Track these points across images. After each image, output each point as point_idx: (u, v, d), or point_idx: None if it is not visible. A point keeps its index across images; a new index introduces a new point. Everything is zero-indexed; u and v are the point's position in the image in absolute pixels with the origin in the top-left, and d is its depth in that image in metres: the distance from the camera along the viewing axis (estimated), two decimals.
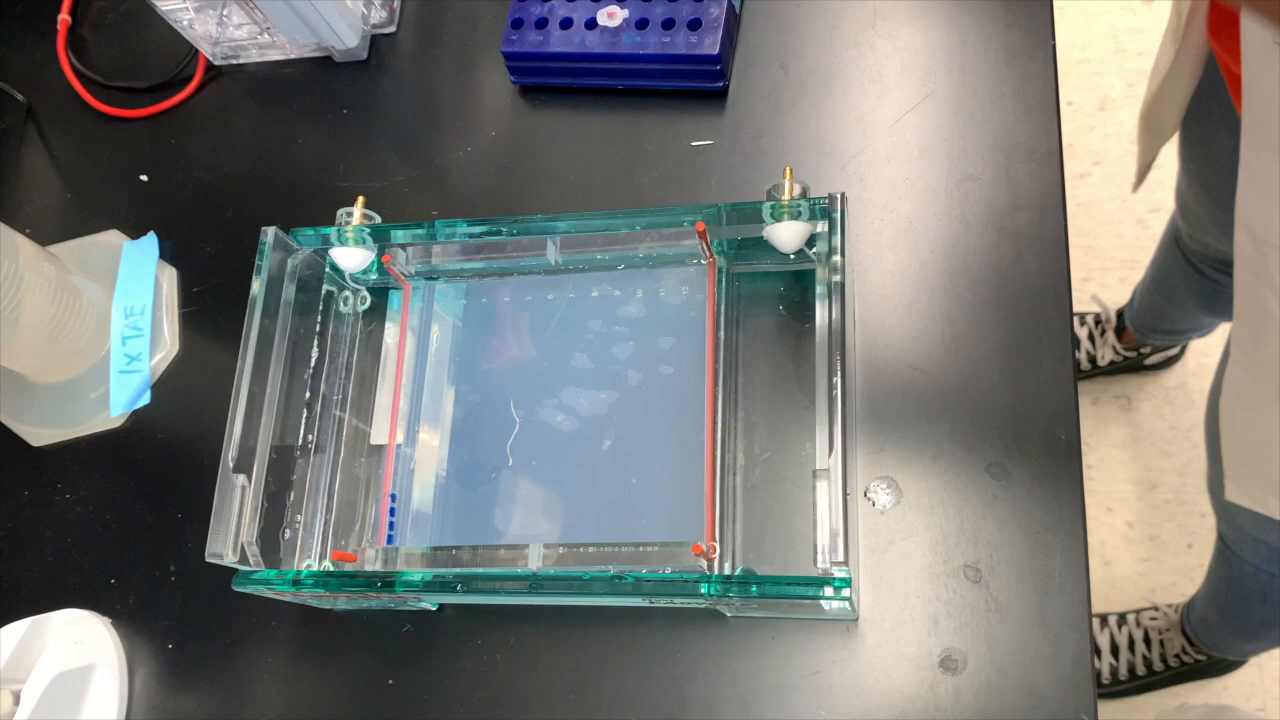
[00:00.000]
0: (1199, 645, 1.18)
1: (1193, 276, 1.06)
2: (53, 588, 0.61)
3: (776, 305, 0.56)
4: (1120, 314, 1.31)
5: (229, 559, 0.49)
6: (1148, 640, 1.21)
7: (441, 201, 0.65)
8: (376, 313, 0.61)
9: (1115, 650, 1.22)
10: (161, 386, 0.65)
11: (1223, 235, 0.96)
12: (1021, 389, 0.53)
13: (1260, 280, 0.57)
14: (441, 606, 0.55)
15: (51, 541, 0.63)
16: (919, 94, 0.60)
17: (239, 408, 0.51)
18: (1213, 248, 0.99)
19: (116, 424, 0.64)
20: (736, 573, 0.50)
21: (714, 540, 0.49)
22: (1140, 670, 1.22)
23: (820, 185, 0.57)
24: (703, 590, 0.46)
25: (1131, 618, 1.23)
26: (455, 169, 0.66)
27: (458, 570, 0.49)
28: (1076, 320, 1.34)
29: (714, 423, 0.51)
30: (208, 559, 0.49)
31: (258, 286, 0.54)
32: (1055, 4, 0.61)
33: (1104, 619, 1.24)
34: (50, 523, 0.63)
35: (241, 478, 0.50)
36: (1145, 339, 1.29)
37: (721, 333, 0.53)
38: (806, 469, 0.53)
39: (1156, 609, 1.22)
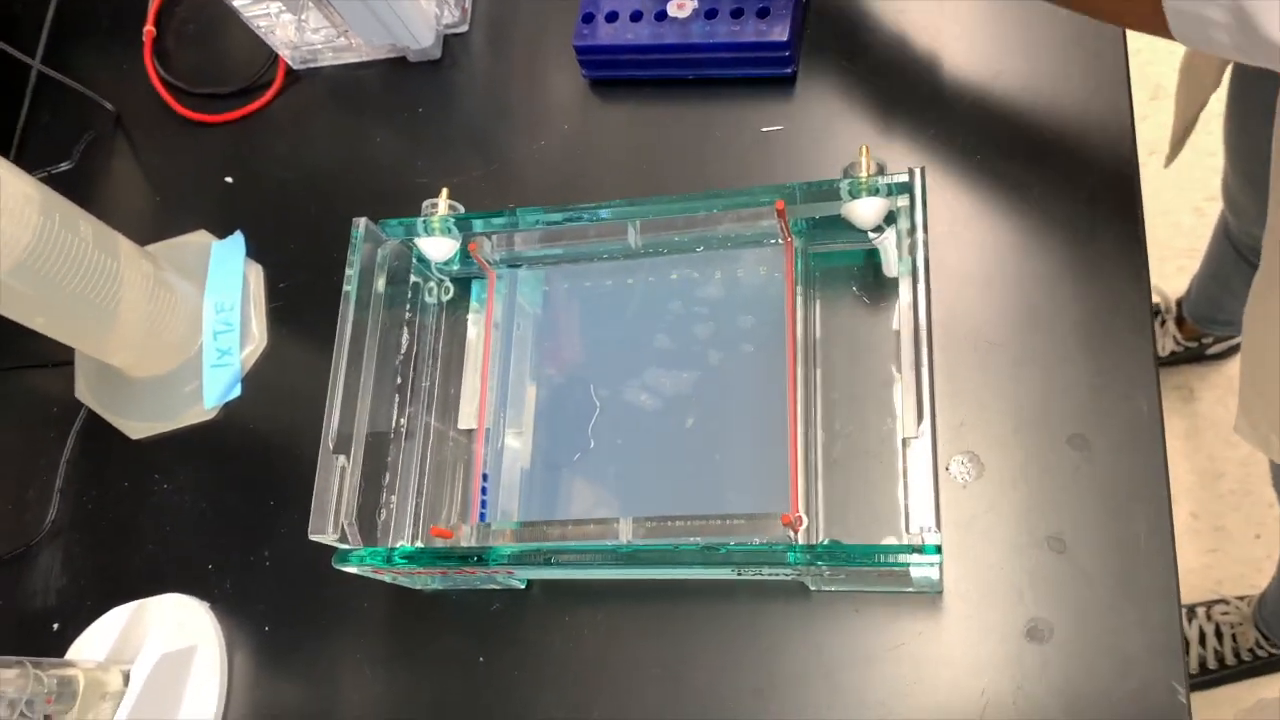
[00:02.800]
0: (1274, 639, 1.16)
1: (1245, 268, 1.05)
2: (154, 574, 0.64)
3: (851, 283, 0.57)
4: (1180, 304, 1.30)
5: (330, 537, 0.51)
6: (1219, 634, 1.20)
7: (517, 195, 0.66)
8: (458, 303, 0.63)
9: (1185, 645, 1.21)
10: (251, 379, 0.67)
11: None
12: (1100, 361, 0.53)
13: None
14: (529, 584, 0.57)
15: (151, 530, 0.65)
16: (988, 75, 0.61)
17: (337, 393, 0.53)
18: (1263, 241, 0.98)
19: (210, 416, 0.67)
20: (823, 542, 0.50)
21: (800, 511, 0.50)
22: (1212, 665, 1.20)
23: (891, 166, 0.58)
24: (790, 559, 0.47)
25: (1201, 611, 1.22)
26: (529, 163, 0.67)
27: (551, 544, 0.51)
28: None
29: (795, 398, 0.52)
30: (310, 536, 0.51)
31: (351, 277, 0.55)
32: None
33: None
34: (150, 512, 0.66)
35: (341, 458, 0.52)
36: (1205, 329, 1.28)
37: (800, 311, 0.54)
38: (886, 443, 0.53)
39: (1227, 602, 1.21)
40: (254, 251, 0.70)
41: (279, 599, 0.62)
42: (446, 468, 0.59)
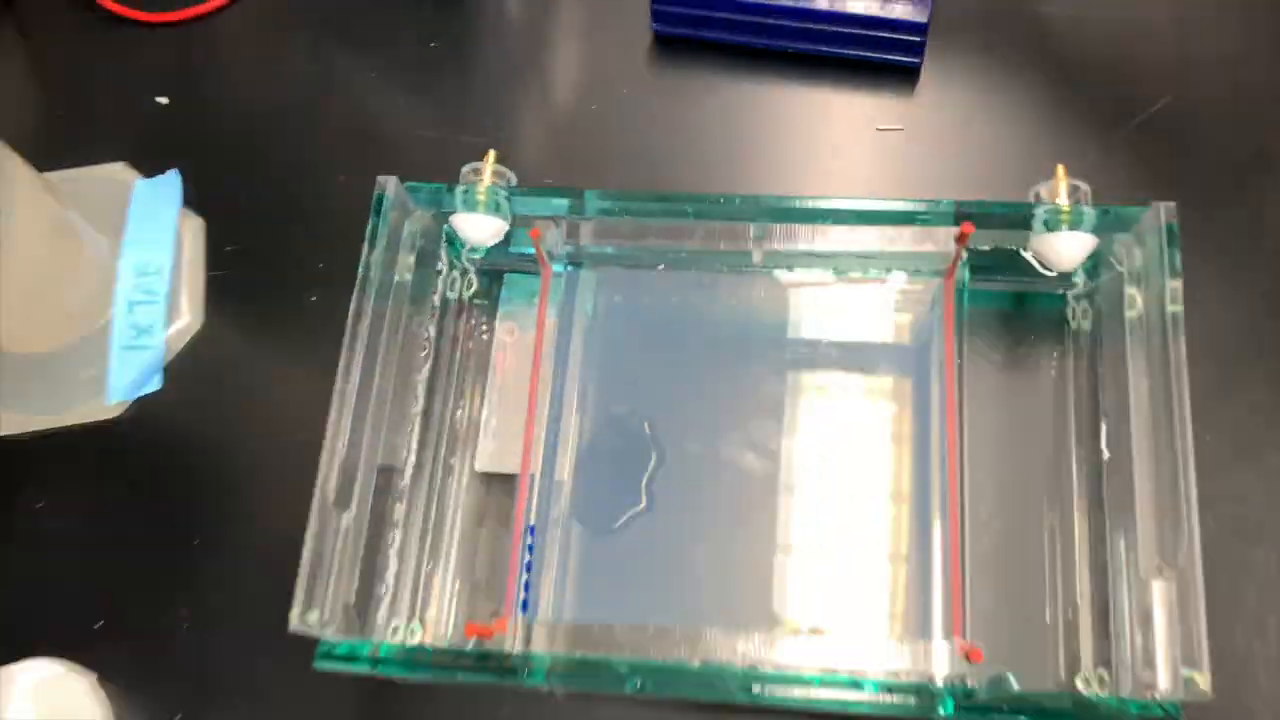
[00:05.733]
0: None
1: None
2: (20, 629, 0.46)
3: (1007, 336, 0.45)
4: None
5: (329, 629, 0.36)
6: None
7: (557, 169, 0.52)
8: (479, 303, 0.48)
9: None
10: (178, 369, 0.50)
11: None
12: None
13: None
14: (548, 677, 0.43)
15: (20, 566, 0.47)
16: (1155, 95, 0.50)
17: (345, 417, 0.38)
18: None
19: (114, 414, 0.49)
20: (981, 686, 0.38)
21: (962, 635, 0.38)
22: None
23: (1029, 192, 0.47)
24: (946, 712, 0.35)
25: None
26: (575, 131, 0.53)
27: (636, 661, 0.37)
28: None
29: (958, 476, 0.40)
30: (294, 629, 0.36)
31: (374, 255, 0.40)
32: None
33: None
34: (17, 539, 0.48)
35: (345, 515, 0.37)
36: None
37: (961, 367, 0.42)
38: (1040, 540, 0.42)
39: None
40: (193, 200, 0.53)
41: (200, 678, 0.45)
42: (449, 525, 0.45)
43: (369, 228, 0.40)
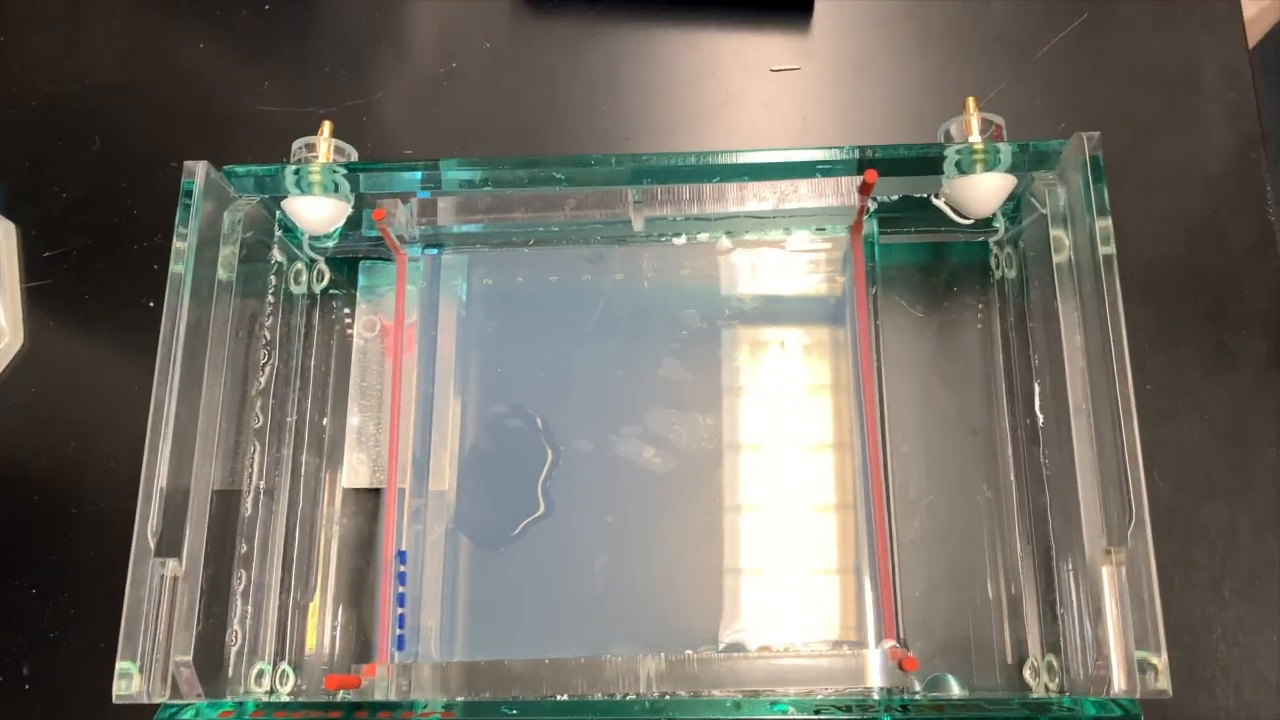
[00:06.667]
0: None
1: None
2: None
3: (926, 292, 0.41)
4: None
5: (155, 693, 0.31)
6: None
7: (414, 139, 0.46)
8: (334, 296, 0.42)
9: None
10: None
11: None
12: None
13: None
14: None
15: None
16: (1070, 13, 0.46)
17: (161, 449, 0.32)
18: None
19: None
20: (921, 691, 0.34)
21: (896, 637, 0.34)
22: None
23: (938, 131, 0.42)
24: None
25: None
26: (432, 95, 0.47)
27: (527, 702, 0.32)
28: None
29: (879, 455, 0.36)
30: (116, 699, 0.30)
31: (184, 252, 0.34)
32: None
33: None
34: None
35: (171, 563, 0.31)
36: None
37: (876, 331, 0.37)
38: (976, 517, 0.38)
39: None
40: (2, 202, 0.46)
41: None
42: (319, 549, 0.39)
43: (178, 221, 0.34)
